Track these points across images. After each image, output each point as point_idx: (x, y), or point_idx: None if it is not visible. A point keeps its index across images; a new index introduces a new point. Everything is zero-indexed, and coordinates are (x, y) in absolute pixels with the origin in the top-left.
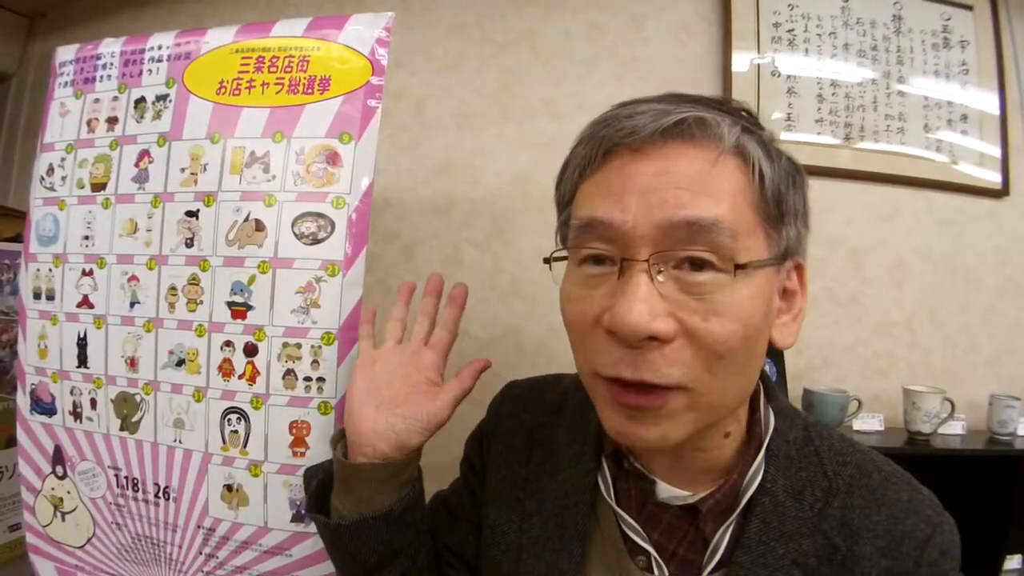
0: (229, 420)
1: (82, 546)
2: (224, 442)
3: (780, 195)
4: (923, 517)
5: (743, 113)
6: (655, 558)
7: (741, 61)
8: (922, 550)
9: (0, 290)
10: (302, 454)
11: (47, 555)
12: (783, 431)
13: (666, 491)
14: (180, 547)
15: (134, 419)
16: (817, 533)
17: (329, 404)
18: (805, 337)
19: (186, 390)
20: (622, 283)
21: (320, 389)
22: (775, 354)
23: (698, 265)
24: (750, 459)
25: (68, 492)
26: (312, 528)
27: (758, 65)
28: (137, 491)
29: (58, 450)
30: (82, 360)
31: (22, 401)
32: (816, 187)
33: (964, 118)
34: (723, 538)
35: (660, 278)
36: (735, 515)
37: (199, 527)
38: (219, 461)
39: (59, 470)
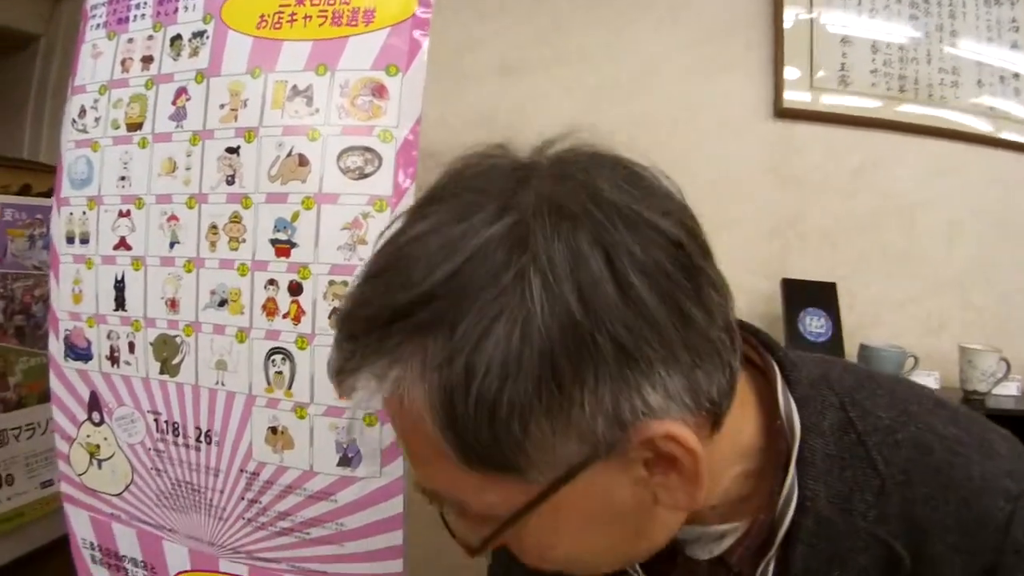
0: (273, 361)
1: (119, 493)
2: (268, 384)
3: (498, 426)
4: (1000, 492)
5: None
6: None
7: (791, 15)
8: (1003, 535)
9: (32, 245)
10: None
11: (82, 504)
12: (814, 424)
13: (690, 547)
14: (222, 492)
15: (174, 362)
16: (876, 544)
17: None
18: (856, 292)
19: (228, 331)
20: None
21: None
22: (830, 308)
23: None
24: (780, 479)
25: (105, 439)
26: (359, 473)
27: (810, 20)
28: (177, 436)
29: (94, 396)
30: (119, 303)
31: (56, 348)
32: (869, 140)
33: (1016, 76)
34: None
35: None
36: (774, 550)
37: (242, 471)
38: (263, 403)
39: (95, 416)
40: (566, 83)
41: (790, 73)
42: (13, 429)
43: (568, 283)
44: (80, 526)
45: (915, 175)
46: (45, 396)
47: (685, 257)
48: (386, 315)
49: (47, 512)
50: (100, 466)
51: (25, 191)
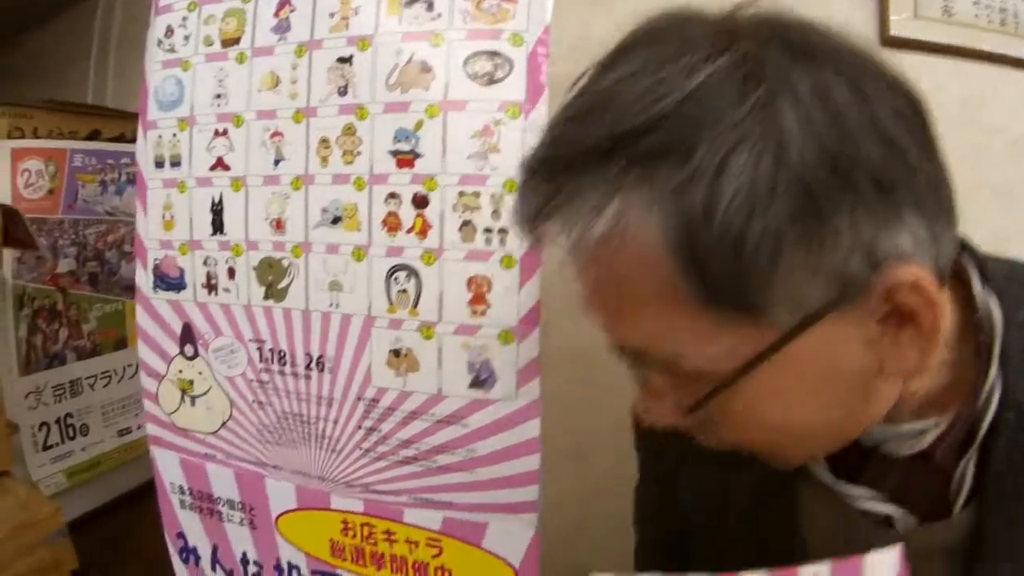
0: (396, 279)
1: (215, 431)
2: (390, 303)
3: (751, 249)
4: None
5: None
6: (896, 515)
7: None
8: None
9: (103, 191)
10: (482, 313)
11: (171, 445)
12: (1012, 317)
13: (885, 447)
14: (336, 422)
15: (280, 286)
16: None
17: (512, 258)
18: (961, 227)
19: (343, 249)
20: None
21: (503, 241)
22: None
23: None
24: (981, 372)
25: (200, 373)
26: (493, 395)
27: None
28: (284, 364)
29: (187, 328)
30: (217, 227)
31: (143, 279)
32: (974, 72)
33: None
34: (967, 472)
35: (648, 380)
36: (975, 445)
37: (359, 399)
38: (384, 324)
39: (188, 350)
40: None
41: (895, 2)
42: (88, 378)
43: (819, 110)
44: (168, 469)
45: (1021, 109)
46: (121, 343)
47: (923, 113)
48: (604, 145)
49: (125, 461)
50: (193, 403)
51: (94, 136)
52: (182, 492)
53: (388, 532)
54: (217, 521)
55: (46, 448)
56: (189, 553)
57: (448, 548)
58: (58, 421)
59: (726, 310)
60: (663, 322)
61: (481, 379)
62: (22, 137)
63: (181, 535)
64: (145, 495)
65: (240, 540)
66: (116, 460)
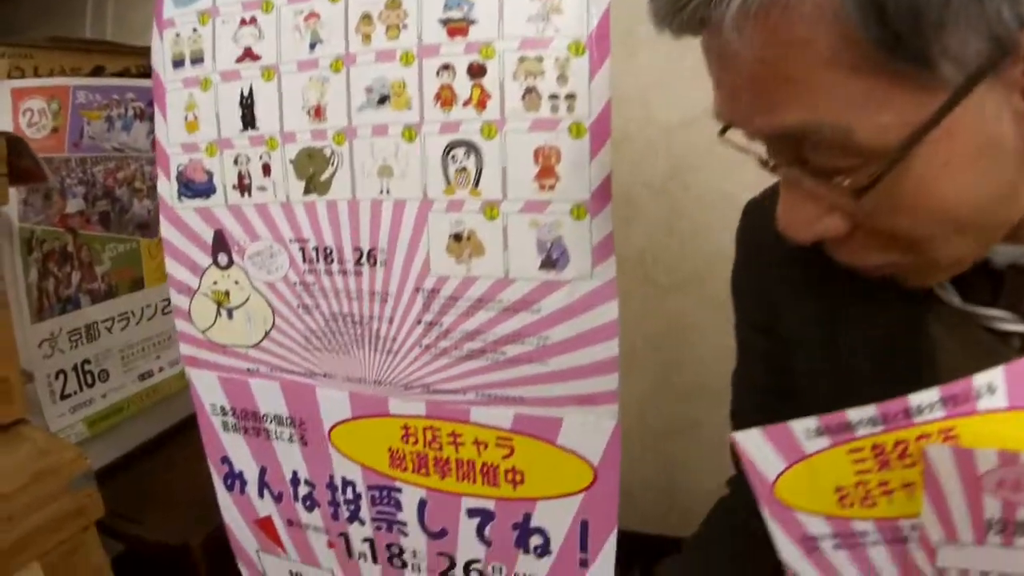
0: (453, 157)
1: (256, 343)
2: (448, 183)
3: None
4: None
5: None
6: None
7: None
8: None
9: (110, 127)
10: (551, 187)
11: (208, 364)
12: None
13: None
14: (391, 320)
15: (323, 177)
16: None
17: (582, 125)
18: None
19: (392, 130)
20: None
21: (570, 108)
22: None
23: (833, 171)
24: None
25: (236, 282)
26: (566, 275)
27: None
28: (331, 263)
29: (220, 236)
30: (248, 122)
31: (166, 189)
32: None
33: None
34: None
35: (802, 181)
36: None
37: (417, 291)
38: (442, 207)
39: (222, 259)
40: (693, 66)
41: None
42: (105, 321)
43: None
44: (208, 390)
45: None
46: (138, 283)
47: None
48: None
49: (148, 406)
50: (231, 316)
51: (98, 73)
52: (224, 413)
53: (453, 435)
54: (264, 440)
55: (64, 397)
56: (235, 479)
57: (520, 447)
58: (75, 368)
59: (900, 67)
60: (835, 90)
61: (552, 259)
62: (22, 77)
63: (225, 460)
64: (171, 441)
65: (290, 459)
66: (138, 406)
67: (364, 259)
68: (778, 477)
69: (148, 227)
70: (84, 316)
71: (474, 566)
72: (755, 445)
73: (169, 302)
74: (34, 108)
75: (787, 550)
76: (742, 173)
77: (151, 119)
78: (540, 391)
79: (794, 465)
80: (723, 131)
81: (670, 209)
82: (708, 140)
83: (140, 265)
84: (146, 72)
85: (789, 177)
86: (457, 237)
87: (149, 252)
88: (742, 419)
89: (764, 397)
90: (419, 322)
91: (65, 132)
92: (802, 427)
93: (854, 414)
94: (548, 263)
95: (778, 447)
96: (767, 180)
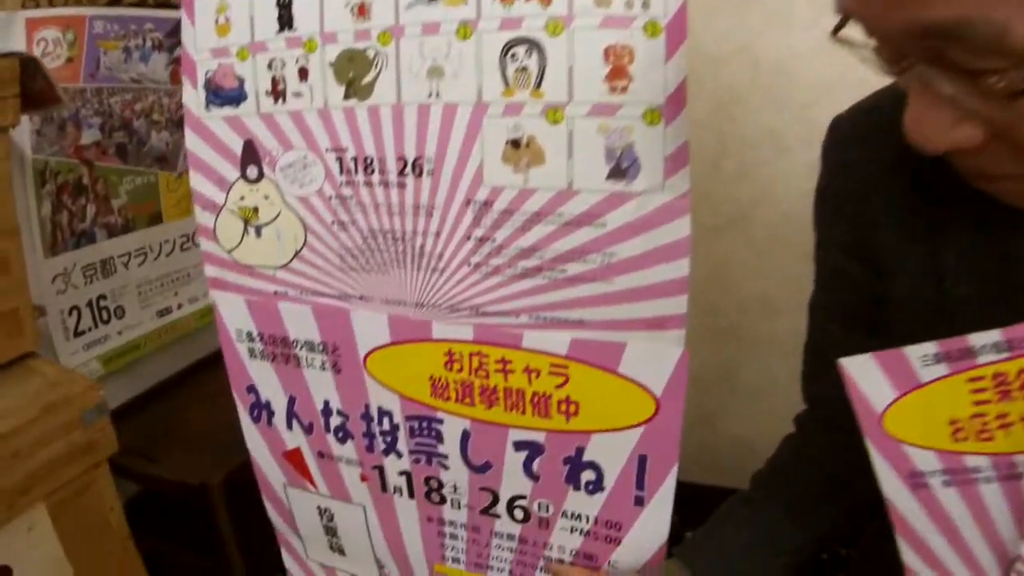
0: (513, 55)
1: (286, 264)
2: (507, 85)
3: None
4: None
5: None
6: None
7: None
8: None
9: (128, 57)
10: (623, 89)
11: (234, 287)
12: None
13: None
14: (438, 235)
15: (365, 81)
16: None
17: (658, 24)
18: None
19: (445, 27)
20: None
21: (645, 5)
22: None
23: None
24: None
25: (266, 197)
26: (636, 187)
27: None
28: (371, 173)
29: (249, 146)
30: (284, 22)
31: (193, 98)
32: None
33: None
34: None
35: (939, 83)
36: None
37: (468, 203)
38: (499, 111)
39: (251, 172)
40: None
41: None
42: (121, 256)
43: None
44: (233, 314)
45: None
46: (156, 218)
47: None
48: None
49: (166, 343)
50: (259, 233)
51: (115, 2)
52: (251, 339)
53: (503, 361)
54: (294, 368)
55: (78, 334)
56: (261, 410)
57: (576, 376)
58: (90, 304)
59: None
60: None
61: (622, 168)
62: (37, 7)
63: (252, 389)
64: (190, 380)
65: (321, 387)
66: (156, 343)
67: (408, 169)
68: (888, 408)
69: (167, 160)
70: (100, 251)
71: (519, 502)
72: (864, 372)
73: (188, 238)
74: (48, 38)
75: (891, 486)
76: (787, 109)
77: (170, 50)
78: (602, 313)
79: (906, 395)
80: (838, 28)
81: (716, 146)
82: (754, 73)
83: (158, 199)
84: (165, 2)
85: (922, 79)
86: (515, 144)
87: (168, 186)
88: (820, 355)
89: (848, 330)
90: (468, 238)
91: (80, 63)
92: (918, 353)
93: (977, 339)
94: (617, 173)
95: (890, 375)
96: (813, 117)
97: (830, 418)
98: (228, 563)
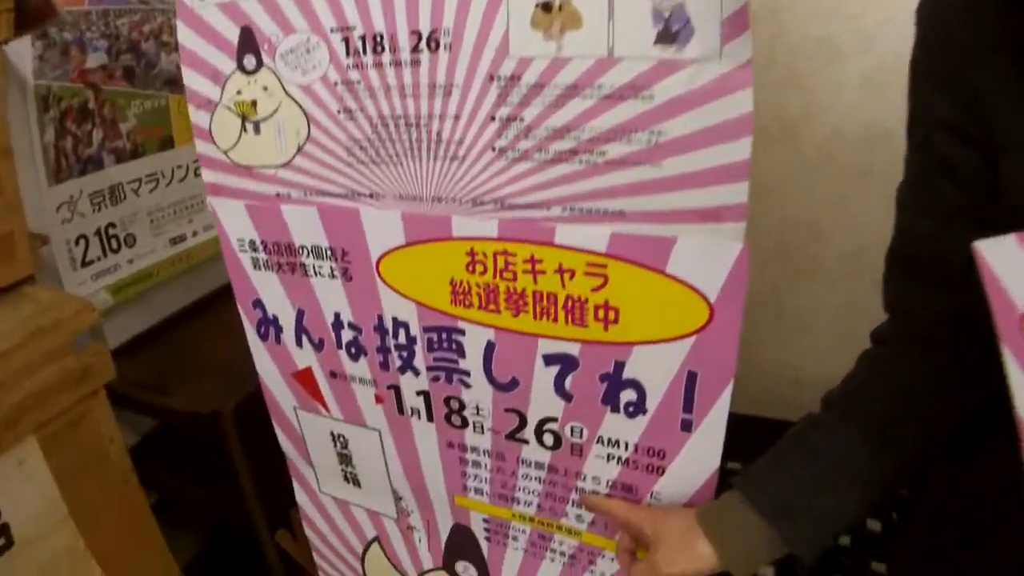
0: None
1: (288, 161)
2: None
3: None
4: None
5: None
6: None
7: None
8: None
9: None
10: None
11: (232, 192)
12: None
13: None
14: (456, 118)
15: None
16: None
17: None
18: None
19: None
20: None
21: None
22: None
23: None
24: None
25: (264, 89)
26: (689, 53)
27: None
28: (381, 52)
29: (247, 33)
30: None
31: None
32: None
33: None
34: None
35: None
36: None
37: (491, 79)
38: None
39: (249, 62)
40: None
41: None
42: (131, 182)
43: None
44: (233, 222)
45: None
46: (167, 142)
47: None
48: None
49: (180, 272)
50: (257, 130)
51: None
52: (254, 248)
53: (532, 260)
54: (301, 278)
55: (86, 264)
56: (268, 326)
57: (616, 277)
58: (98, 233)
59: None
60: None
61: (672, 31)
62: None
63: (258, 304)
64: (206, 310)
65: (331, 298)
66: (169, 272)
67: (423, 44)
68: None
69: (177, 83)
70: (107, 177)
71: (548, 426)
72: (1006, 258)
73: None
74: None
75: None
76: (837, 17)
77: None
78: (648, 203)
79: None
80: None
81: (763, 56)
82: None
83: (169, 123)
84: None
85: None
86: (546, 7)
87: (179, 109)
88: (907, 257)
89: (944, 225)
90: (492, 118)
91: None
92: None
93: None
94: (666, 36)
95: None
96: (864, 21)
97: (913, 330)
98: (242, 497)
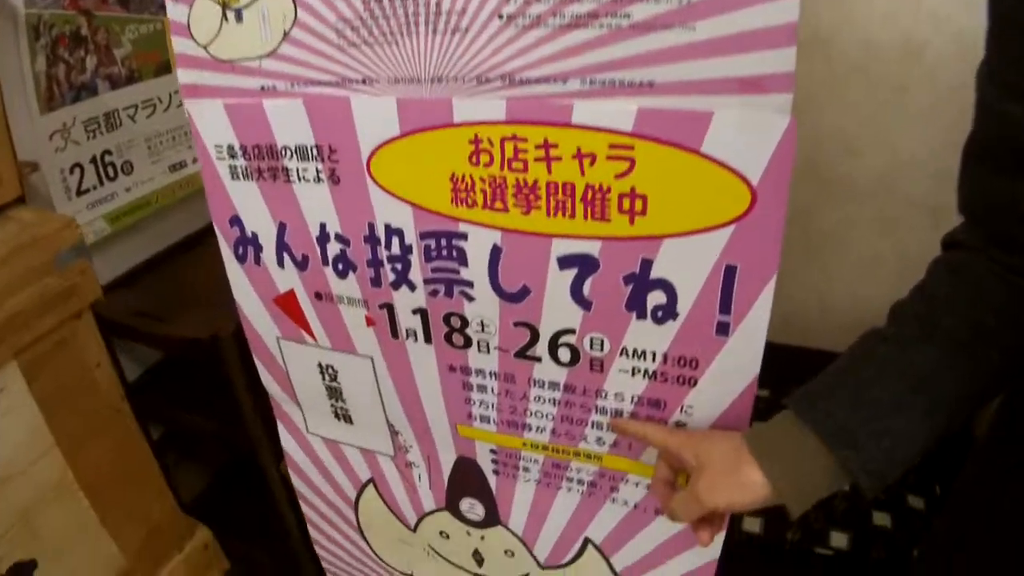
0: None
1: (273, 50)
2: None
3: None
4: None
5: None
6: None
7: None
8: None
9: None
10: None
11: (211, 91)
12: None
13: None
14: None
15: None
16: None
17: None
18: None
19: None
20: None
21: None
22: None
23: None
24: None
25: None
26: None
27: None
28: None
29: None
30: None
31: None
32: None
33: None
34: None
35: None
36: None
37: None
38: None
39: None
40: None
41: None
42: (127, 108)
43: None
44: (211, 125)
45: None
46: (164, 67)
47: None
48: None
49: (179, 199)
50: (240, 18)
51: None
52: (232, 154)
53: (546, 145)
54: (283, 185)
55: (81, 193)
56: (247, 246)
57: (644, 159)
58: (93, 160)
59: None
60: None
61: None
62: None
63: (235, 221)
64: (207, 239)
65: (316, 207)
66: (169, 199)
67: None
68: None
69: None
70: (102, 103)
71: (564, 339)
72: None
73: None
74: None
75: None
76: None
77: None
78: (680, 71)
79: None
80: None
81: None
82: None
83: (166, 48)
84: None
85: None
86: None
87: None
88: (989, 139)
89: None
90: None
91: None
92: None
93: None
94: None
95: None
96: None
97: (997, 233)
98: (246, 428)
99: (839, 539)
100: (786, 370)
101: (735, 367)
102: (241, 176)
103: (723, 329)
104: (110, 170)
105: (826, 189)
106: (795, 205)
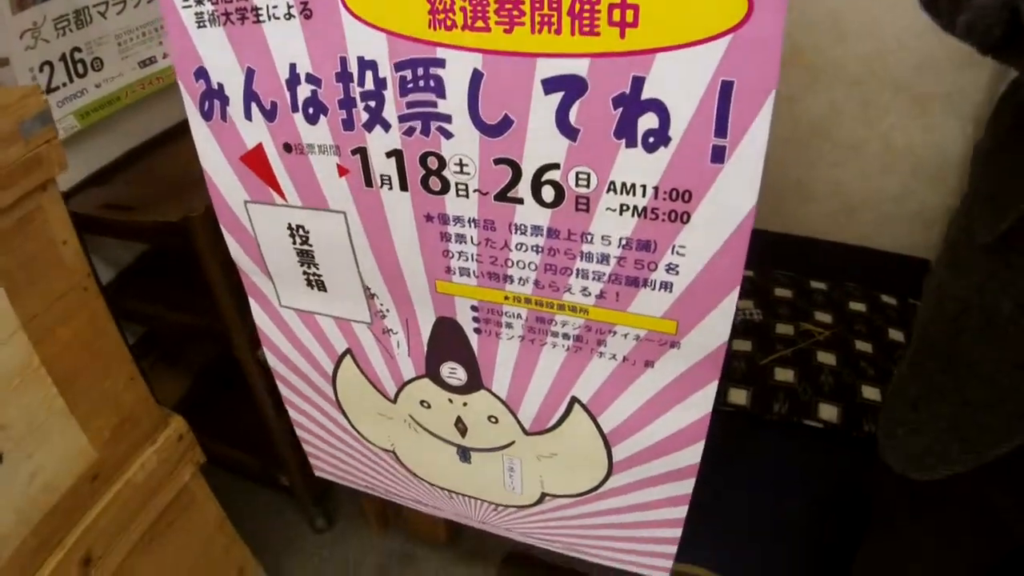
0: None
1: None
2: None
3: None
4: None
5: None
6: None
7: None
8: None
9: None
10: None
11: None
12: None
13: None
14: None
15: None
16: None
17: None
18: None
19: None
20: None
21: None
22: None
23: None
24: None
25: None
26: None
27: None
28: None
29: None
30: None
31: None
32: None
33: None
34: None
35: None
36: None
37: None
38: None
39: None
40: None
41: None
42: (97, 5)
43: None
44: None
45: None
46: None
47: None
48: None
49: (150, 93)
50: None
51: None
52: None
53: None
54: (252, 25)
55: (51, 91)
56: (213, 99)
57: None
58: (63, 58)
59: None
60: None
61: None
62: None
63: (201, 73)
64: (180, 135)
65: (287, 47)
66: (139, 94)
67: None
68: None
69: None
70: (72, 1)
71: (548, 175)
72: None
73: None
74: None
75: None
76: None
77: None
78: None
79: None
80: None
81: None
82: None
83: None
84: None
85: None
86: None
87: None
88: None
89: None
90: None
91: None
92: None
93: None
94: None
95: None
96: None
97: None
98: (221, 318)
99: (828, 411)
100: (768, 255)
101: (731, 199)
102: (207, 22)
103: (718, 155)
104: (80, 67)
105: (813, 73)
106: (779, 92)
